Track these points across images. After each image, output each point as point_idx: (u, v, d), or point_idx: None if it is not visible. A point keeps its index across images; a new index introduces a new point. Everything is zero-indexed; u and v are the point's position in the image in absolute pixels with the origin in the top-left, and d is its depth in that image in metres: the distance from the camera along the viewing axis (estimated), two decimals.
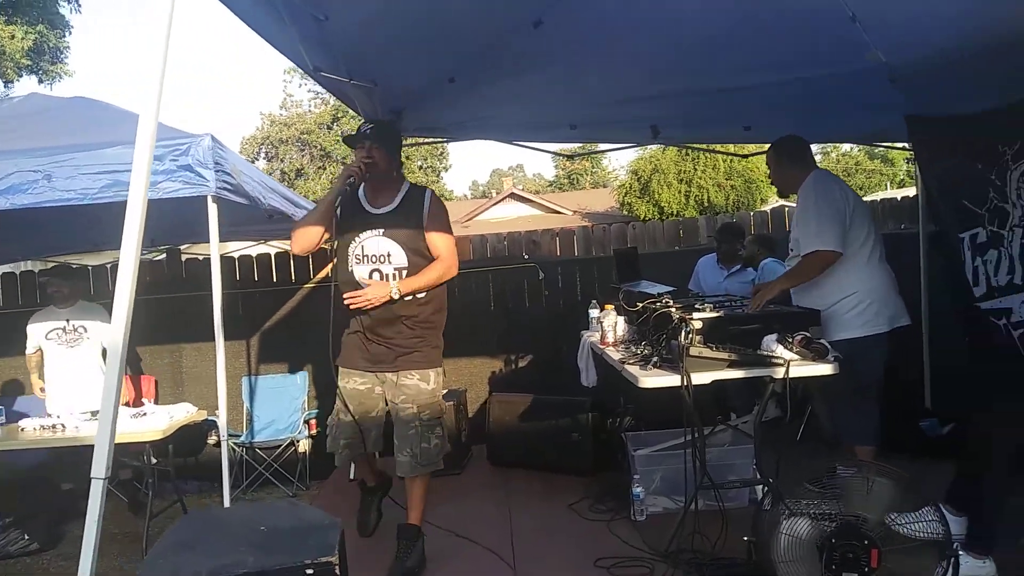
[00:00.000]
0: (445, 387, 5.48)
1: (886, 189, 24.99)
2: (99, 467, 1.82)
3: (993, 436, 2.79)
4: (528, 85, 3.98)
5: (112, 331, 1.81)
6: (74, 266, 6.30)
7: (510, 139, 5.44)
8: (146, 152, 1.76)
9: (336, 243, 3.20)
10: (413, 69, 3.70)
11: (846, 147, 29.66)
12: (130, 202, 1.79)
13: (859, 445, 3.46)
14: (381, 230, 3.18)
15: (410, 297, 3.19)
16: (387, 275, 3.18)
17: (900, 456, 3.23)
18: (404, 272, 3.18)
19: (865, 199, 4.88)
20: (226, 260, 6.27)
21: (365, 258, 3.19)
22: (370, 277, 3.18)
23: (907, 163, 28.31)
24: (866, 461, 2.87)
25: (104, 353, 4.93)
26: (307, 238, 3.16)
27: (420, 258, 3.20)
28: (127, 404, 4.88)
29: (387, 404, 3.38)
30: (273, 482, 5.62)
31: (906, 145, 5.97)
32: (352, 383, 3.36)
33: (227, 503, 3.76)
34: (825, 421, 3.85)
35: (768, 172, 4.02)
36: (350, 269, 3.21)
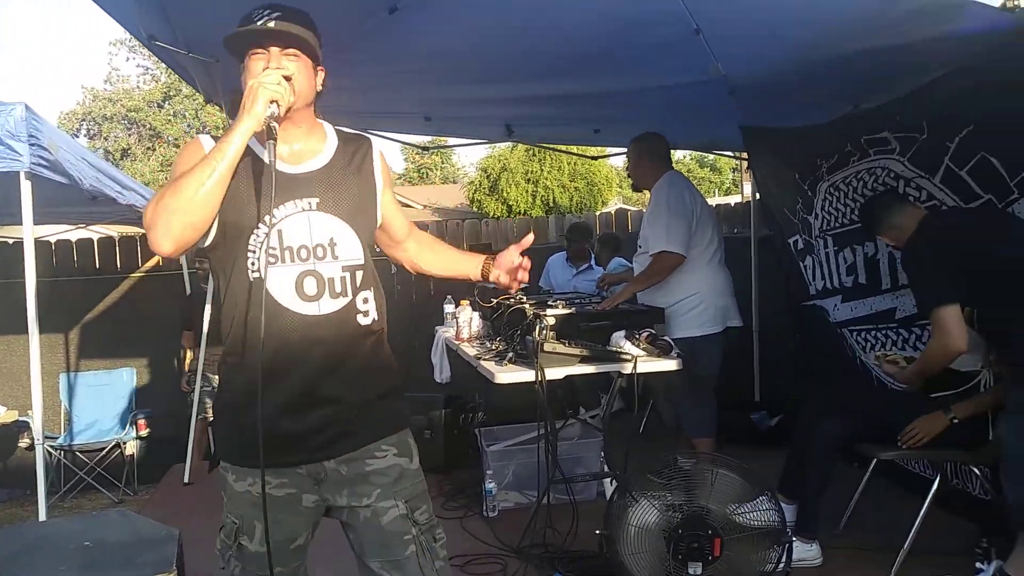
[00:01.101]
0: None
1: (714, 196, 26.72)
2: None
3: (813, 426, 3.02)
4: (384, 74, 3.88)
5: None
6: None
7: (363, 127, 5.29)
8: None
9: (215, 232, 1.71)
10: None
11: (679, 155, 31.44)
12: None
13: (697, 437, 3.66)
14: (313, 200, 1.76)
15: (366, 306, 1.81)
16: (331, 282, 1.74)
17: (734, 447, 3.44)
18: (359, 274, 1.78)
19: None
20: (41, 245, 5.71)
21: (286, 253, 1.72)
22: (302, 288, 1.72)
23: (732, 172, 30.48)
24: (705, 452, 3.03)
25: None
26: (187, 223, 1.61)
27: (371, 248, 1.87)
28: None
29: (340, 515, 1.83)
30: (96, 487, 5.17)
31: (732, 154, 6.41)
32: (254, 490, 1.70)
33: (43, 514, 3.37)
34: (666, 414, 4.03)
35: (627, 166, 4.15)
36: (253, 277, 1.71)
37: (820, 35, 3.07)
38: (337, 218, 1.77)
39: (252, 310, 1.69)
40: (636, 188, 4.27)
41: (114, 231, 6.81)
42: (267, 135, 1.63)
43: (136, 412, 5.54)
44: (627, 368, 3.04)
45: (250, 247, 1.71)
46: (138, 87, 28.79)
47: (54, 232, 6.30)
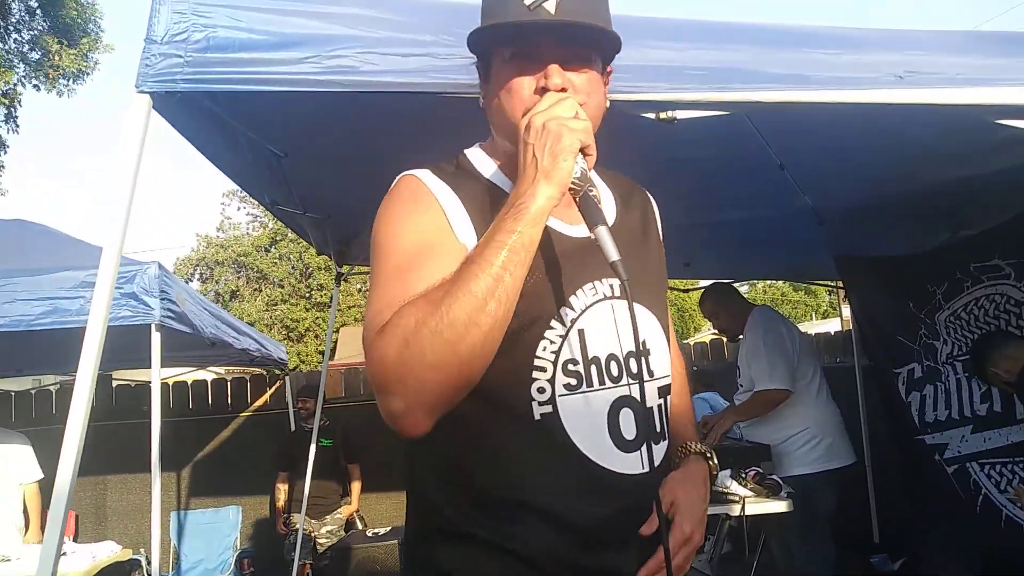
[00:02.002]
0: (388, 524, 5.29)
1: (811, 319, 25.99)
2: None
3: (939, 571, 2.81)
4: None
5: (62, 462, 1.70)
6: None
7: None
8: (107, 286, 1.72)
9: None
10: (367, 202, 3.74)
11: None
12: (88, 334, 1.73)
13: None
14: (613, 282, 1.17)
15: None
16: (649, 414, 1.16)
17: None
18: (669, 399, 1.24)
19: None
20: (161, 387, 6.05)
21: (592, 368, 1.12)
22: (619, 428, 1.12)
23: (829, 295, 29.68)
24: None
25: (19, 486, 4.59)
26: (462, 378, 0.98)
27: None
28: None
29: None
30: None
31: (827, 282, 6.31)
32: None
33: None
34: (780, 557, 3.81)
35: (712, 323, 4.14)
36: (541, 413, 1.09)
37: (910, 167, 3.08)
38: (644, 307, 1.18)
39: (535, 471, 1.07)
40: (732, 338, 4.16)
41: (228, 371, 7.19)
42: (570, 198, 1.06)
43: (241, 551, 5.62)
44: (735, 510, 2.94)
45: (537, 361, 1.07)
46: (247, 233, 30.94)
47: (174, 374, 6.70)
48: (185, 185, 55.10)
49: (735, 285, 4.36)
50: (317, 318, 26.23)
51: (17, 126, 13.57)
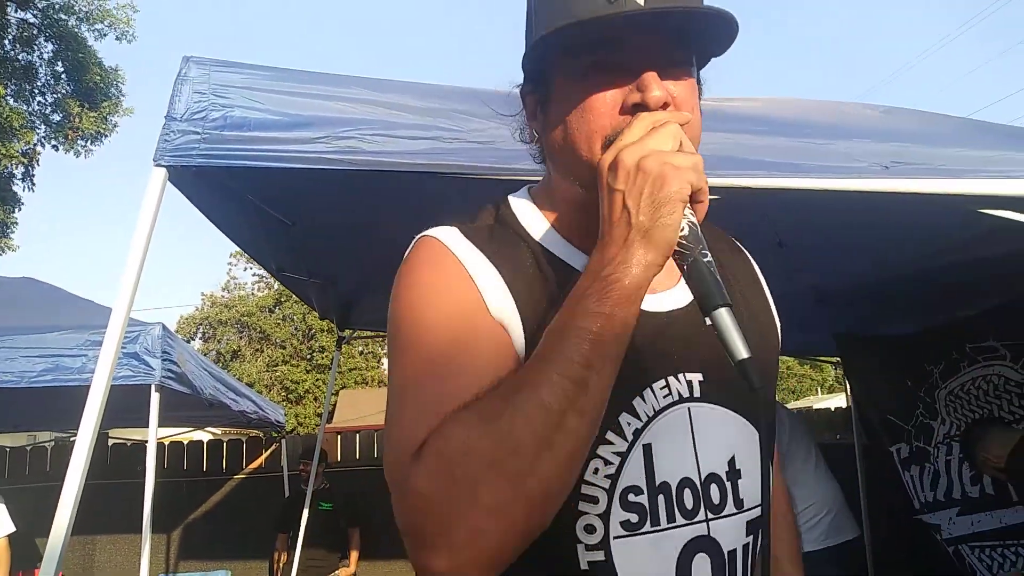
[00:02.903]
0: None
1: (816, 394, 25.83)
2: None
3: None
4: None
5: (56, 520, 1.72)
6: None
7: None
8: (113, 347, 1.77)
9: None
10: (371, 268, 3.83)
11: None
12: (91, 393, 1.77)
13: None
14: (695, 377, 0.87)
15: None
16: (732, 559, 0.85)
17: None
18: (761, 535, 0.87)
19: (798, 404, 5.06)
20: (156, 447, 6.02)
21: (659, 500, 0.81)
22: None
23: (835, 369, 29.59)
24: None
25: None
26: (532, 522, 0.70)
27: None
28: None
29: None
30: None
31: (827, 359, 6.30)
32: None
33: None
34: None
35: None
36: (589, 560, 0.79)
37: (903, 250, 3.15)
38: (730, 412, 0.88)
39: None
40: None
41: (225, 431, 7.16)
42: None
43: None
44: None
45: (586, 488, 0.79)
46: (252, 293, 31.12)
47: (171, 433, 6.68)
48: (192, 245, 55.68)
49: None
50: (317, 380, 26.15)
51: (33, 184, 13.88)
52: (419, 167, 1.75)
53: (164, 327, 3.66)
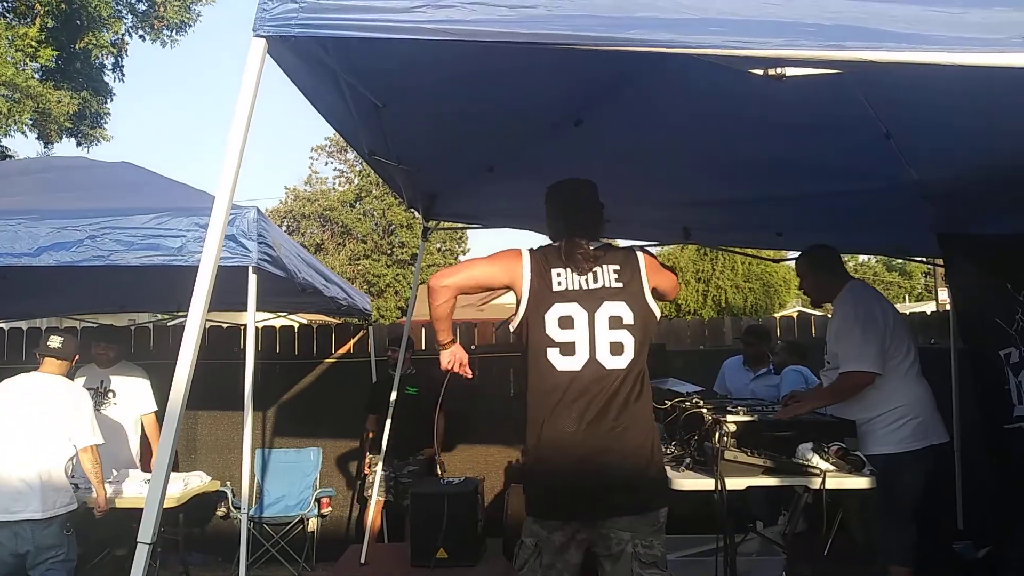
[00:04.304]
0: (461, 474, 5.47)
1: (904, 302, 24.98)
2: (146, 532, 1.80)
3: None
4: (565, 176, 4.08)
5: (172, 395, 1.83)
6: (97, 328, 6.34)
7: (541, 229, 5.52)
8: (219, 227, 1.81)
9: None
10: (457, 156, 3.81)
11: (863, 257, 29.86)
12: (200, 273, 1.84)
13: (894, 565, 3.35)
14: None
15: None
16: None
17: None
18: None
19: None
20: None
21: None
22: None
23: (924, 277, 28.38)
24: None
25: (135, 418, 4.91)
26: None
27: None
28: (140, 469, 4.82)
29: None
30: (279, 560, 5.47)
31: (924, 259, 6.01)
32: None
33: None
34: (858, 537, 3.73)
35: (799, 282, 4.00)
36: None
37: (1020, 141, 2.91)
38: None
39: None
40: (816, 303, 4.00)
41: (312, 320, 7.44)
42: None
43: (320, 491, 5.86)
44: (815, 483, 2.88)
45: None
46: (334, 188, 31.66)
47: (262, 318, 6.97)
48: (275, 138, 56.55)
49: None
50: (397, 274, 26.75)
51: (123, 75, 14.20)
52: (519, 37, 1.67)
53: (259, 210, 3.73)
